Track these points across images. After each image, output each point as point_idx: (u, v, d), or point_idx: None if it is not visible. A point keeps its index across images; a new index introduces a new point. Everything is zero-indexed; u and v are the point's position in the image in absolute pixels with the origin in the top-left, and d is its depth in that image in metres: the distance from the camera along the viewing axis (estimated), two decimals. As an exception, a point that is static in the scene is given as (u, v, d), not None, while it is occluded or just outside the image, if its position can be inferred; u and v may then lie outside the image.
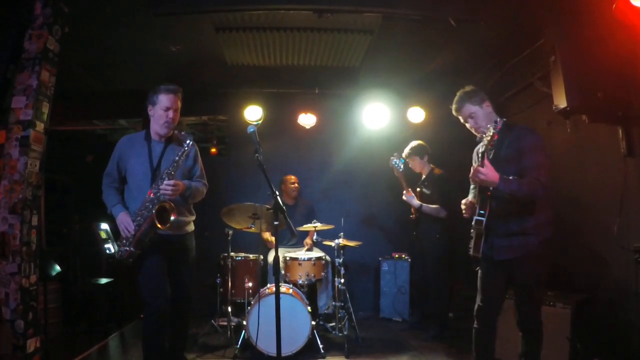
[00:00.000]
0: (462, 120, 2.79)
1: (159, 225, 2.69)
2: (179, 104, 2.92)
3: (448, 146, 4.98)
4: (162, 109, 2.85)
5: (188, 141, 2.84)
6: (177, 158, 2.79)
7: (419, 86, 5.20)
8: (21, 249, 2.80)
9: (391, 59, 4.57)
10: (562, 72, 3.02)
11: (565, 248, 3.78)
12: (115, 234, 5.18)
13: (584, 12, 3.01)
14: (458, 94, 2.75)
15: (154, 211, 2.69)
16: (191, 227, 3.11)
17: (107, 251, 4.94)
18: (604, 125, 3.25)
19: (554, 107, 3.13)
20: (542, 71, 3.78)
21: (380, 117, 5.22)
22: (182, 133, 2.94)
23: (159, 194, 2.72)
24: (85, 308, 4.72)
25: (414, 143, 4.54)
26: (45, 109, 3.02)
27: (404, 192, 4.37)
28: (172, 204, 2.75)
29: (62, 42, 3.12)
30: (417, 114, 5.32)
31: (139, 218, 2.75)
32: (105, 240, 5.03)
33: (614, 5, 2.60)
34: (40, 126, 2.97)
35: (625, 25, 2.66)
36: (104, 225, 5.10)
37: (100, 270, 4.83)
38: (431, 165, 4.54)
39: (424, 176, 4.57)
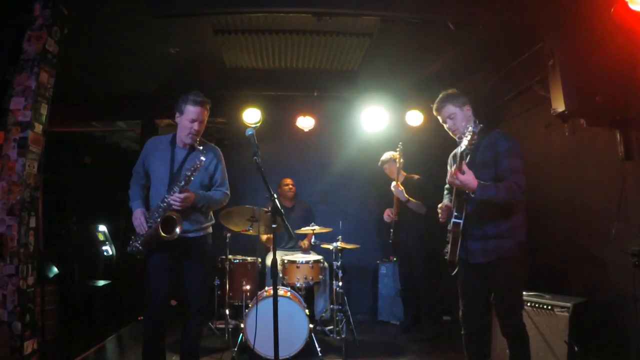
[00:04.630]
0: (441, 121, 2.84)
1: (162, 234, 2.71)
2: (206, 115, 2.93)
3: (446, 149, 4.96)
4: (188, 119, 2.86)
5: (202, 158, 2.79)
6: (188, 173, 2.76)
7: (417, 89, 5.20)
8: (19, 251, 2.79)
9: (390, 62, 4.57)
10: (560, 75, 3.02)
11: (563, 251, 3.79)
12: (114, 236, 5.19)
13: (583, 15, 3.01)
14: (441, 94, 2.80)
15: (159, 220, 2.73)
16: (209, 229, 3.12)
17: (105, 253, 4.93)
18: (602, 128, 3.25)
19: (552, 111, 3.13)
20: (540, 74, 3.78)
21: (378, 120, 5.22)
22: (208, 145, 2.97)
23: (169, 202, 2.75)
24: (82, 310, 4.71)
25: (390, 154, 4.69)
26: (44, 110, 3.01)
27: (393, 183, 4.49)
28: (180, 215, 2.77)
29: (61, 43, 3.12)
30: (415, 117, 5.32)
31: (150, 221, 2.83)
32: (103, 242, 5.02)
33: (612, 9, 2.62)
34: (38, 128, 2.97)
35: (623, 29, 2.67)
36: (102, 227, 5.09)
37: (98, 272, 4.83)
38: (404, 173, 4.67)
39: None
